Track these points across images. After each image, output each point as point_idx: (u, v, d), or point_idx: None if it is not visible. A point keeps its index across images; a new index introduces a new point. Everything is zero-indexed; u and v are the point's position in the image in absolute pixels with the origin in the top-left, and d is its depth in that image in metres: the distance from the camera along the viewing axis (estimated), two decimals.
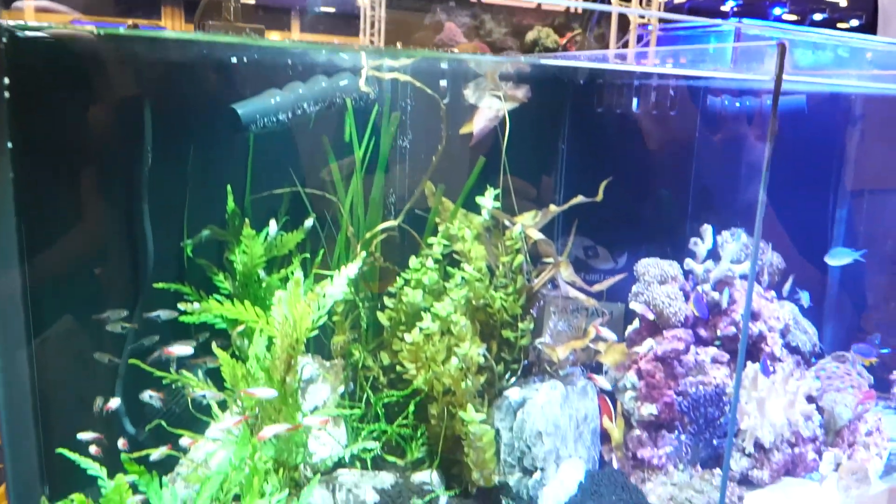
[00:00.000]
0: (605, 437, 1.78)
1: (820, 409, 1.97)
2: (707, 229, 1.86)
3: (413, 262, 1.61)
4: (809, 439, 1.92)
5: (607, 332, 1.61)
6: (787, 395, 1.85)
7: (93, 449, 1.40)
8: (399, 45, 1.84)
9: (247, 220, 1.55)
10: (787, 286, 2.00)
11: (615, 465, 1.75)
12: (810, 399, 1.97)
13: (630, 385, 1.79)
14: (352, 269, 1.47)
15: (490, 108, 1.65)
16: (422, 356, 1.53)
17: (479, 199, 1.63)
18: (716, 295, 1.85)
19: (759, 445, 1.83)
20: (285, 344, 1.41)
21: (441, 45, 1.97)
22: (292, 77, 1.65)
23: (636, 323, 1.87)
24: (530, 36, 2.00)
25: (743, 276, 1.95)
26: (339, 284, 1.45)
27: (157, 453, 1.32)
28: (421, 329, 1.52)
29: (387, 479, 1.55)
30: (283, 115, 1.59)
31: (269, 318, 1.43)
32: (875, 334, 2.18)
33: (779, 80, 1.27)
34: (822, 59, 1.82)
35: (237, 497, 1.30)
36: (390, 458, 1.63)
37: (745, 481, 1.84)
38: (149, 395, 1.50)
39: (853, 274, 2.16)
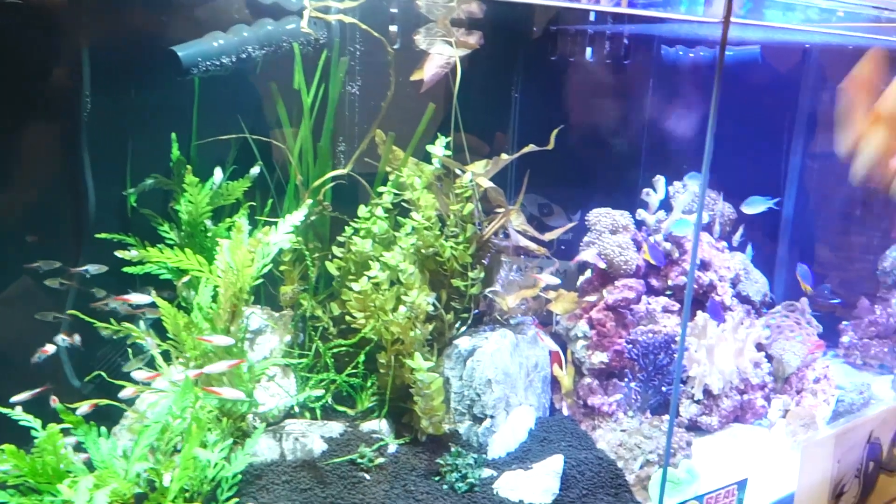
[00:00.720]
0: (556, 384, 1.80)
1: (769, 357, 2.01)
2: (660, 180, 1.86)
3: (362, 211, 1.59)
4: (758, 386, 1.96)
5: (550, 278, 1.61)
6: (736, 344, 1.88)
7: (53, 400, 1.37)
8: None
9: (189, 168, 1.51)
10: (737, 236, 2.02)
11: (566, 412, 1.77)
12: (760, 347, 2.00)
13: (581, 334, 1.80)
14: (296, 217, 1.45)
15: (441, 54, 1.61)
16: (370, 305, 1.52)
17: (429, 148, 1.61)
18: (668, 245, 1.85)
19: (708, 392, 1.86)
20: (229, 293, 1.39)
21: None
22: (237, 20, 1.60)
23: (588, 273, 1.87)
24: None
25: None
26: (283, 232, 1.42)
27: (83, 408, 1.29)
28: (369, 278, 1.50)
29: (335, 428, 1.55)
30: (227, 58, 1.54)
31: (211, 268, 1.40)
32: (825, 284, 2.22)
33: (726, 21, 1.25)
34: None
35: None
36: (340, 408, 1.63)
37: (695, 427, 1.87)
38: (61, 339, 1.47)
39: (805, 225, 2.18)
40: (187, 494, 1.28)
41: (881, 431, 1.90)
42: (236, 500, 1.29)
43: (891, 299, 2.30)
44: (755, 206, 1.84)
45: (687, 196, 1.89)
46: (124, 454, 1.25)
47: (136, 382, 1.35)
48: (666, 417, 1.79)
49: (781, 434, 1.94)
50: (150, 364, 1.45)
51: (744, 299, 2.03)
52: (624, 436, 1.71)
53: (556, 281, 1.62)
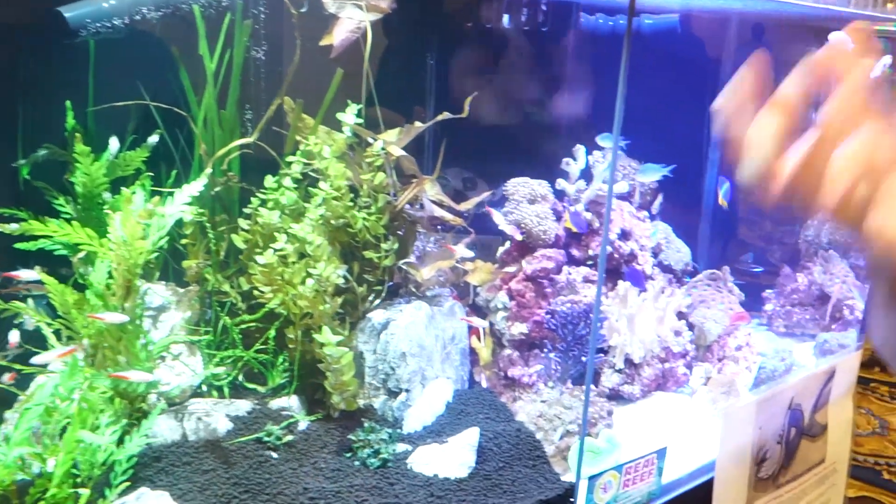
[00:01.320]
0: (476, 356, 1.77)
1: (690, 326, 2.02)
2: (580, 149, 1.84)
3: (269, 181, 1.53)
4: (680, 355, 1.97)
5: (462, 250, 1.57)
6: (657, 312, 1.88)
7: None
8: None
9: (79, 137, 1.43)
10: (656, 204, 2.01)
11: (485, 384, 1.75)
12: (681, 316, 2.01)
13: (501, 305, 1.78)
14: (194, 187, 1.38)
15: (351, 18, 1.55)
16: (277, 279, 1.46)
17: (339, 116, 1.55)
18: (588, 215, 1.84)
19: (629, 361, 1.86)
20: (122, 268, 1.32)
21: None
22: None
23: (507, 244, 1.85)
24: None
25: (619, 196, 1.95)
26: (178, 202, 1.36)
27: None
28: (275, 250, 1.45)
29: (243, 406, 1.50)
30: (120, 20, 1.46)
31: (102, 241, 1.33)
32: (748, 253, 2.24)
33: None
34: None
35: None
36: (250, 386, 1.57)
37: (617, 396, 1.87)
38: None
39: (729, 194, 2.19)
40: (78, 479, 1.22)
41: (802, 398, 1.92)
42: (128, 483, 1.23)
43: (812, 267, 2.34)
44: (649, 173, 1.82)
45: (607, 165, 1.87)
46: (6, 439, 1.18)
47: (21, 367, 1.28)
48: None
49: (703, 401, 1.96)
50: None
51: (665, 268, 2.04)
52: (544, 407, 1.70)
53: (470, 253, 1.59)
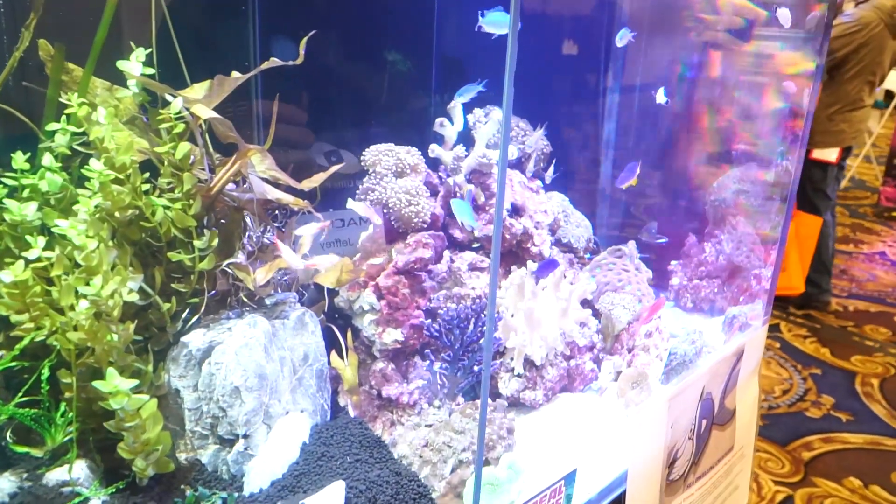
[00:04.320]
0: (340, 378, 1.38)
1: (596, 313, 1.71)
2: (456, 107, 1.46)
3: (19, 160, 1.06)
4: (586, 348, 1.66)
5: (288, 252, 1.16)
6: (559, 303, 1.55)
7: None
8: None
9: None
10: (549, 172, 1.68)
11: (352, 412, 1.36)
12: (586, 303, 1.70)
13: (368, 307, 1.38)
14: None
15: None
16: (35, 301, 1.01)
17: (121, 64, 1.10)
18: (471, 187, 1.47)
19: (530, 363, 1.54)
20: None
21: None
22: None
23: (371, 229, 1.44)
24: None
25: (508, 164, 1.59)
26: None
27: None
28: (28, 260, 1.00)
29: (3, 485, 1.04)
30: None
31: None
32: (652, 223, 1.96)
33: None
34: None
35: None
36: (21, 449, 1.11)
37: (518, 404, 1.55)
38: None
39: (628, 159, 1.89)
40: None
41: (713, 385, 1.76)
42: None
43: (720, 235, 2.10)
44: (468, 93, 1.44)
45: (491, 127, 1.51)
46: None
47: None
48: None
49: (613, 399, 1.68)
50: None
51: (565, 247, 1.71)
52: (430, 433, 1.35)
53: (300, 262, 1.17)
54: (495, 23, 1.19)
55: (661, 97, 1.65)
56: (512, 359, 1.51)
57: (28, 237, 1.02)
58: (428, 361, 1.40)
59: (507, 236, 1.53)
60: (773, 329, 4.96)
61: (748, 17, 2.10)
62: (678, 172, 2.11)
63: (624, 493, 1.45)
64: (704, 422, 1.75)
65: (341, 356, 1.34)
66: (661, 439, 1.53)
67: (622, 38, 1.64)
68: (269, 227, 1.22)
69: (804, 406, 4.04)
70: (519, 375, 1.52)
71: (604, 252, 1.82)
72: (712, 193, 2.06)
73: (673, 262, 2.12)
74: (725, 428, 1.89)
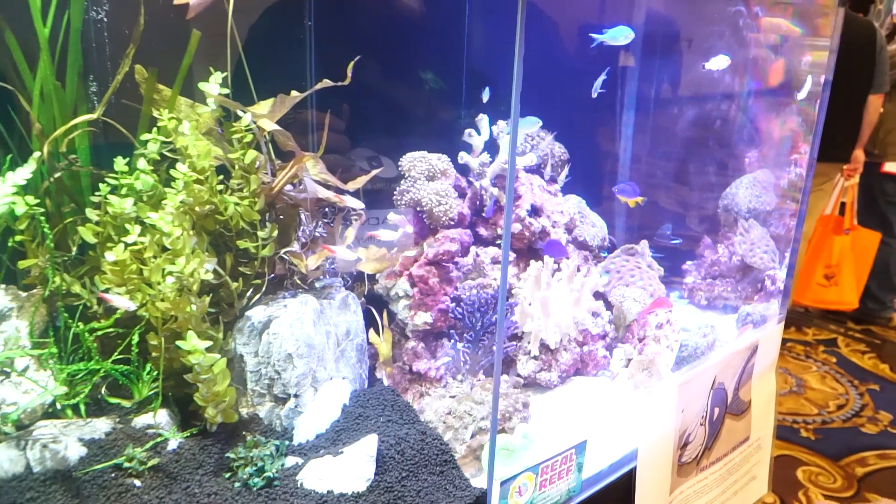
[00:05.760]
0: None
1: (609, 305, 1.90)
2: (483, 119, 1.67)
3: (119, 163, 1.31)
4: (599, 336, 1.85)
5: (343, 251, 1.38)
6: (572, 294, 1.74)
7: None
8: None
9: None
10: (562, 175, 1.87)
11: (386, 382, 1.58)
12: (599, 295, 1.88)
13: (402, 293, 1.61)
14: (21, 175, 1.16)
15: None
16: (131, 277, 1.25)
17: (202, 85, 1.34)
18: (495, 191, 1.68)
19: (545, 347, 1.73)
20: None
21: None
22: None
23: (400, 232, 1.67)
24: None
25: (528, 170, 1.80)
26: (1, 193, 1.13)
27: None
28: (127, 244, 1.24)
29: (101, 426, 1.29)
30: None
31: None
32: (666, 224, 2.13)
33: None
34: None
35: None
36: (114, 400, 1.36)
37: (534, 384, 1.74)
38: None
39: (644, 164, 2.07)
40: None
41: (725, 376, 1.85)
42: None
43: (732, 237, 2.25)
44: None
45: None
46: None
47: None
48: (501, 378, 1.64)
49: (624, 385, 1.85)
50: None
51: (581, 245, 1.90)
52: (453, 403, 1.55)
53: (349, 254, 1.41)
54: (615, 37, 1.40)
55: (596, 87, 1.76)
56: (529, 342, 1.70)
57: (126, 226, 1.26)
58: (453, 341, 1.61)
59: (527, 234, 1.73)
60: (831, 344, 4.90)
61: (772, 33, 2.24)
62: (693, 178, 2.27)
63: (634, 469, 1.60)
64: (717, 410, 1.87)
65: (378, 334, 1.56)
66: (670, 421, 1.66)
67: (626, 59, 1.82)
68: (319, 222, 1.45)
69: (860, 422, 3.96)
70: (535, 357, 1.72)
71: (617, 250, 2.01)
72: (724, 198, 2.22)
73: (688, 263, 2.28)
74: (740, 418, 2.01)
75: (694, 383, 1.72)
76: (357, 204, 1.40)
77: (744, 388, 1.97)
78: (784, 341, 4.91)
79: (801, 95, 2.03)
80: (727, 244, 2.25)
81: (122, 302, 1.20)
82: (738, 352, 1.89)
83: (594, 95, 1.72)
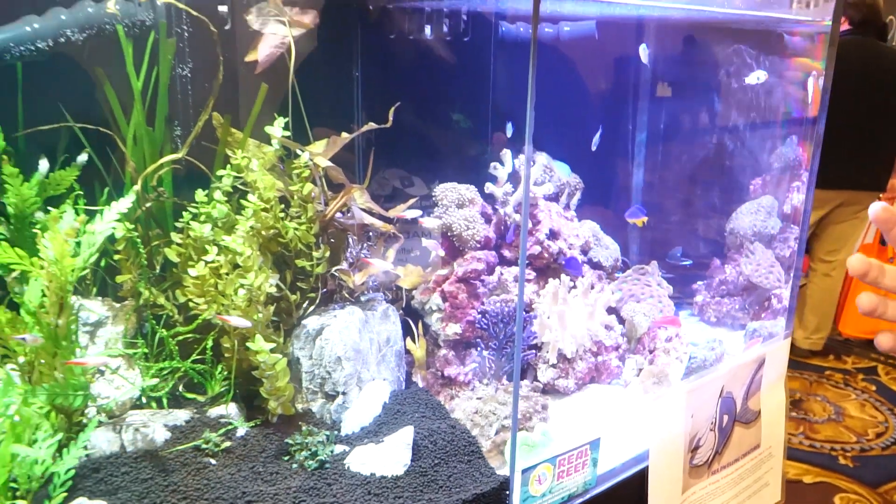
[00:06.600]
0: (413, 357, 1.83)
1: (621, 320, 2.10)
2: (506, 153, 1.90)
3: (200, 195, 1.57)
4: (612, 348, 2.04)
5: (383, 264, 1.63)
6: (586, 308, 1.95)
7: None
8: None
9: (5, 158, 1.45)
10: (574, 200, 2.09)
11: (421, 384, 1.80)
12: (612, 310, 2.09)
13: (435, 307, 1.84)
14: (123, 204, 1.42)
15: (275, 34, 1.60)
16: (210, 290, 1.50)
17: (267, 129, 1.60)
18: (517, 217, 1.91)
19: (562, 356, 1.93)
20: (54, 286, 1.35)
21: None
22: (55, 3, 1.54)
23: (432, 255, 1.91)
24: None
25: (547, 198, 2.02)
26: (108, 220, 1.39)
27: None
28: (206, 262, 1.49)
29: (181, 416, 1.53)
30: (44, 43, 1.49)
31: (33, 260, 1.36)
32: (677, 247, 2.33)
33: (536, 2, 1.29)
34: None
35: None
36: (189, 396, 1.61)
37: (552, 390, 1.94)
38: None
39: (657, 191, 2.28)
40: (17, 492, 1.25)
41: (733, 385, 2.00)
42: (65, 494, 1.26)
43: (739, 259, 2.44)
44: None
45: (535, 169, 1.95)
46: None
47: None
48: (523, 383, 1.85)
49: (636, 392, 2.04)
50: None
51: (595, 265, 2.12)
52: (479, 403, 1.76)
53: (388, 265, 1.65)
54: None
55: (595, 142, 1.99)
56: (548, 351, 1.91)
57: (206, 247, 1.51)
58: (479, 349, 1.83)
59: (546, 255, 1.96)
60: (870, 372, 4.94)
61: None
62: (702, 204, 2.47)
63: (647, 468, 1.77)
64: (726, 417, 2.02)
65: (414, 342, 1.79)
66: (680, 425, 1.81)
67: (644, 52, 2.02)
68: (364, 244, 1.69)
69: None
70: (553, 366, 1.93)
71: (629, 270, 2.22)
72: (731, 222, 2.42)
73: (698, 282, 2.48)
74: (750, 426, 2.15)
75: (702, 391, 1.88)
76: (416, 213, 1.64)
77: (753, 398, 2.12)
78: (823, 369, 4.99)
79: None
80: (734, 265, 2.44)
81: (239, 322, 1.45)
82: (745, 364, 2.04)
83: (593, 149, 1.96)
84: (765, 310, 2.47)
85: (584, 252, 2.06)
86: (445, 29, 1.92)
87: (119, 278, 1.56)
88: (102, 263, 1.60)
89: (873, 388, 4.72)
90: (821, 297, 4.87)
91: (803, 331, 4.96)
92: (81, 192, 1.56)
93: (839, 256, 4.75)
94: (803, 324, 4.96)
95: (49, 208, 1.43)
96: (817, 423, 4.27)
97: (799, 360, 4.94)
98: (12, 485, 1.26)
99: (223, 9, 1.63)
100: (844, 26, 4.36)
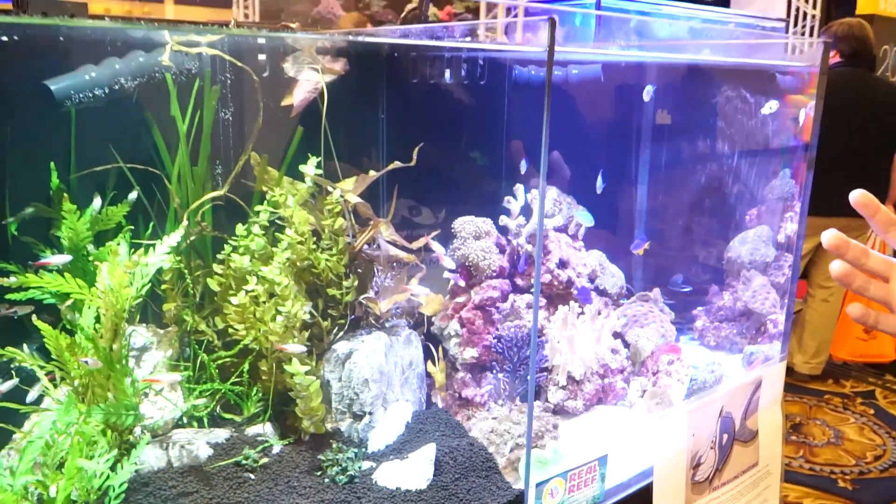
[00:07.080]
0: (433, 380, 1.96)
1: (626, 344, 2.23)
2: (519, 188, 2.05)
3: (239, 229, 1.70)
4: (618, 370, 2.17)
5: (419, 288, 1.76)
6: (594, 333, 2.08)
7: None
8: (282, 17, 1.90)
9: (66, 196, 1.59)
10: (580, 231, 2.23)
11: (440, 405, 1.92)
12: (618, 335, 2.22)
13: (454, 332, 1.97)
14: (173, 239, 1.55)
15: (308, 80, 1.75)
16: (249, 317, 1.63)
17: (301, 168, 1.74)
18: (529, 247, 2.04)
19: (571, 378, 2.06)
20: (110, 314, 1.48)
21: (319, 17, 2.03)
22: (110, 53, 1.68)
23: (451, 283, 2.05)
24: (408, 7, 2.12)
25: (556, 229, 2.16)
26: (160, 253, 1.52)
27: None
28: (247, 292, 1.62)
29: (222, 434, 1.65)
30: (100, 90, 1.63)
31: (91, 290, 1.49)
32: (678, 275, 2.47)
33: (551, 50, 1.43)
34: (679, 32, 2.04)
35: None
36: (227, 416, 1.73)
37: (562, 411, 2.06)
38: None
39: (658, 222, 2.42)
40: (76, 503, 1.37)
41: (732, 406, 2.11)
42: None
43: (736, 285, 2.58)
44: (583, 218, 2.06)
45: (546, 202, 2.08)
46: (11, 471, 1.32)
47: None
48: (536, 403, 1.97)
49: (641, 412, 2.15)
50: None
51: (601, 292, 2.25)
52: (495, 423, 1.88)
53: (425, 290, 1.78)
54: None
55: (599, 185, 2.16)
56: (557, 374, 2.04)
57: (245, 277, 1.64)
58: (494, 372, 1.95)
59: (556, 283, 2.09)
60: (868, 396, 5.01)
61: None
62: (701, 233, 2.61)
63: (652, 483, 1.88)
64: (725, 436, 2.13)
65: (434, 365, 1.91)
66: (682, 443, 1.93)
67: (647, 93, 2.17)
68: (389, 274, 1.82)
69: None
70: (563, 387, 2.05)
71: (633, 297, 2.35)
72: (729, 250, 2.56)
73: (698, 308, 2.61)
74: (748, 445, 2.26)
75: (703, 411, 1.99)
76: (440, 249, 1.78)
77: (751, 418, 2.23)
78: (822, 393, 5.07)
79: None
80: (732, 291, 2.57)
81: (295, 348, 1.58)
82: (743, 385, 2.16)
83: (598, 192, 2.11)
84: (761, 334, 2.60)
85: (591, 280, 2.19)
86: (463, 73, 2.07)
87: (165, 306, 1.68)
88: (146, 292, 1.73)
89: (871, 411, 4.81)
90: (820, 323, 4.97)
91: (803, 356, 5.06)
92: (131, 227, 1.69)
93: (797, 275, 4.84)
94: (802, 349, 5.06)
95: (109, 243, 1.56)
96: (817, 446, 4.35)
97: (798, 385, 5.03)
98: (71, 497, 1.38)
99: (262, 57, 1.77)
100: (836, 59, 4.53)
